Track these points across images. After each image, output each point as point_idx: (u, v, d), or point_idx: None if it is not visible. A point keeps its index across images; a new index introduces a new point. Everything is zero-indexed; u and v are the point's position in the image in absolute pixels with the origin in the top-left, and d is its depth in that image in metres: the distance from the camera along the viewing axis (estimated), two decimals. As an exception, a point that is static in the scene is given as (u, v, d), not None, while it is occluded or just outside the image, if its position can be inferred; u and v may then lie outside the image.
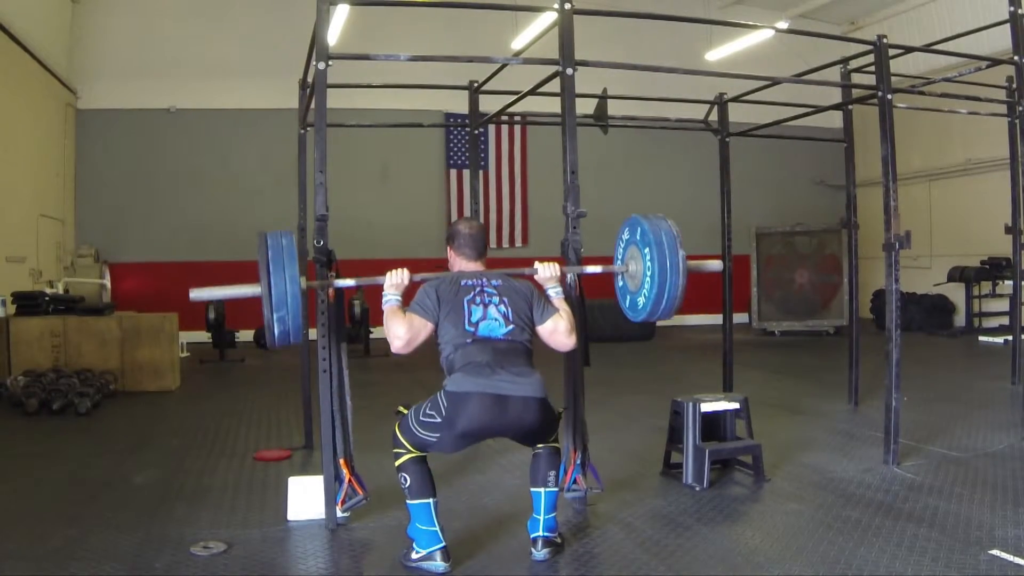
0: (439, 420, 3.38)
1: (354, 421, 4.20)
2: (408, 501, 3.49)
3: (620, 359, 10.79)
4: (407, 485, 3.48)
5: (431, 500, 3.47)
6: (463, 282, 3.57)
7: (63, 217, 12.65)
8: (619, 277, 4.08)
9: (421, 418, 3.44)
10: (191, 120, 13.64)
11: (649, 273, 3.76)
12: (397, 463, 3.53)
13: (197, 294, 3.60)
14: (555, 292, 3.76)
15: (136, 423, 6.89)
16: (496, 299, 3.53)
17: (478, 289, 3.55)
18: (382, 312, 3.55)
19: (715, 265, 4.38)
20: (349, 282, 3.89)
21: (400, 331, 3.42)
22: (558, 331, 3.61)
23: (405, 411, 3.57)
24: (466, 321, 3.47)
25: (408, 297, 3.61)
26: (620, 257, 4.06)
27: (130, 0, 13.27)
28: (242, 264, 14.41)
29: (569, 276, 4.22)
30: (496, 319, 3.49)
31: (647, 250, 3.77)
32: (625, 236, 4.01)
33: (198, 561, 3.55)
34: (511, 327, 3.50)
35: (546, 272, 3.80)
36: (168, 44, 13.27)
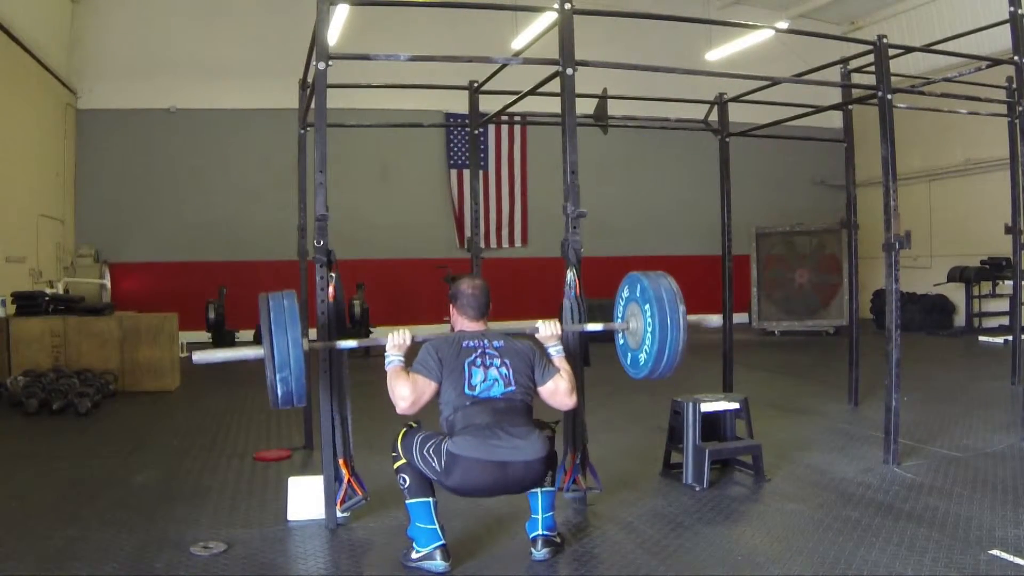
0: (438, 469, 3.40)
1: (354, 421, 4.20)
2: (407, 501, 3.50)
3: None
4: (406, 485, 3.49)
5: (430, 499, 3.48)
6: (464, 343, 3.58)
7: (63, 217, 12.65)
8: (619, 335, 4.11)
9: (424, 453, 3.46)
10: (191, 120, 13.64)
11: (650, 329, 3.78)
12: (396, 465, 3.55)
13: (200, 357, 3.61)
14: (556, 351, 3.77)
15: (136, 423, 6.89)
16: (497, 361, 3.54)
17: (479, 351, 3.55)
18: (385, 373, 3.56)
19: (715, 320, 4.44)
20: (352, 344, 3.93)
21: (405, 392, 3.44)
22: (559, 392, 3.63)
23: (415, 426, 3.58)
24: (466, 384, 3.48)
25: (410, 358, 3.62)
26: (620, 315, 4.08)
27: (130, 0, 13.26)
28: (243, 264, 14.43)
29: (570, 275, 4.22)
30: (496, 379, 3.50)
31: (647, 306, 3.80)
32: (625, 294, 4.04)
33: (198, 561, 3.56)
34: (511, 388, 3.51)
35: (547, 331, 3.81)
36: (168, 44, 13.26)
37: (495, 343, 3.60)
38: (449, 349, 3.55)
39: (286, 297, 3.48)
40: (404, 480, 3.49)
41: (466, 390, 3.47)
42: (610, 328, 4.09)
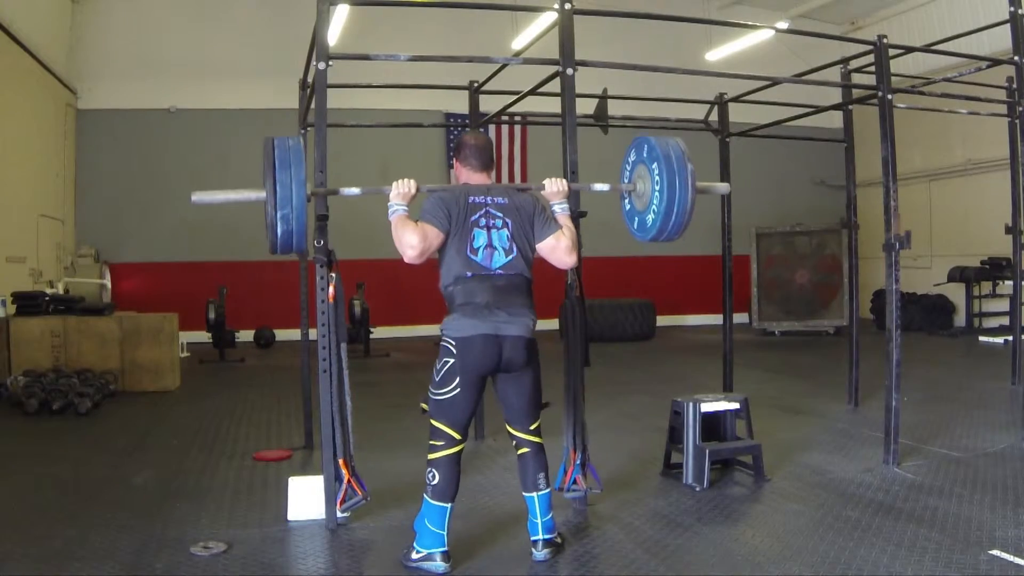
0: (453, 361, 3.42)
1: (354, 421, 4.19)
2: (428, 497, 3.47)
3: (620, 359, 10.79)
4: (434, 482, 3.46)
5: (448, 505, 3.46)
6: (470, 198, 3.54)
7: (63, 217, 12.65)
8: (626, 199, 4.03)
9: (438, 379, 3.47)
10: (191, 120, 13.64)
11: (658, 189, 3.70)
12: (431, 456, 3.50)
13: (199, 198, 3.53)
14: (561, 208, 3.75)
15: (136, 423, 6.88)
16: (499, 221, 3.52)
17: (483, 209, 3.53)
18: (389, 223, 3.55)
19: (723, 187, 4.39)
20: (354, 190, 3.86)
21: (414, 240, 3.42)
22: (559, 248, 3.59)
23: (427, 406, 3.58)
24: (468, 247, 3.48)
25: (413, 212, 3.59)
26: (627, 178, 4.02)
27: (130, 0, 13.26)
28: (243, 264, 14.42)
29: (570, 276, 4.22)
30: (497, 247, 3.50)
31: (655, 165, 3.72)
32: (632, 156, 3.96)
33: (198, 561, 3.55)
34: (512, 256, 3.51)
35: (553, 187, 3.79)
36: (168, 44, 13.26)
37: (499, 199, 3.57)
38: (456, 204, 3.52)
39: (291, 139, 3.43)
40: (433, 476, 3.47)
41: (468, 252, 3.46)
42: (616, 190, 4.04)
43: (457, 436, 3.49)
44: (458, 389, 3.44)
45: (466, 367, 3.42)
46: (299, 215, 3.35)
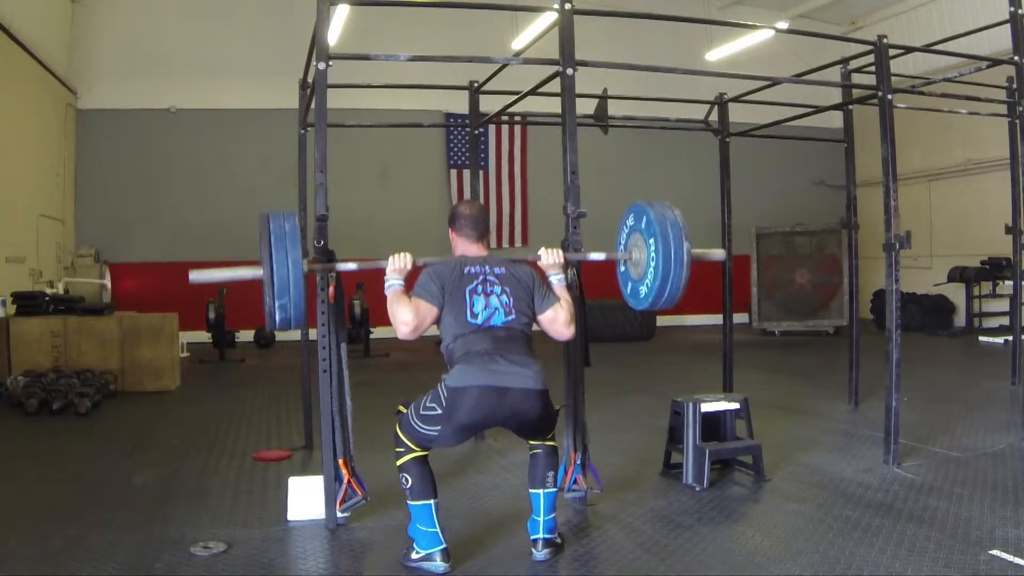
0: (439, 412, 3.38)
1: (354, 421, 4.19)
2: (409, 502, 3.49)
3: (620, 359, 10.79)
4: (408, 486, 3.47)
5: (432, 501, 3.46)
6: (466, 269, 3.55)
7: (63, 217, 12.65)
8: (621, 264, 4.05)
9: (422, 412, 3.44)
10: (191, 120, 13.64)
11: (653, 264, 3.72)
12: (398, 462, 3.52)
13: (197, 276, 3.55)
14: (557, 279, 3.75)
15: (136, 423, 6.88)
16: (498, 288, 3.52)
17: (480, 278, 3.52)
18: (385, 297, 3.54)
19: (719, 254, 4.36)
20: (351, 266, 3.86)
21: (407, 316, 3.41)
22: (557, 321, 3.60)
23: (404, 410, 3.57)
24: (468, 312, 3.46)
25: (410, 281, 3.60)
26: (623, 243, 4.02)
27: (130, 0, 13.26)
28: (243, 264, 14.37)
29: (570, 275, 4.21)
30: (497, 308, 3.48)
31: (652, 240, 3.73)
32: (629, 222, 3.97)
33: (198, 561, 3.55)
34: (512, 317, 3.50)
35: (549, 259, 3.78)
36: (168, 44, 13.26)
37: (496, 269, 3.57)
38: (451, 275, 3.51)
39: (287, 218, 3.42)
40: (407, 480, 3.48)
41: (468, 318, 3.44)
42: (612, 258, 4.04)
43: (419, 453, 3.50)
44: (435, 433, 3.43)
45: (453, 420, 3.37)
46: (297, 302, 3.34)
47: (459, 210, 3.78)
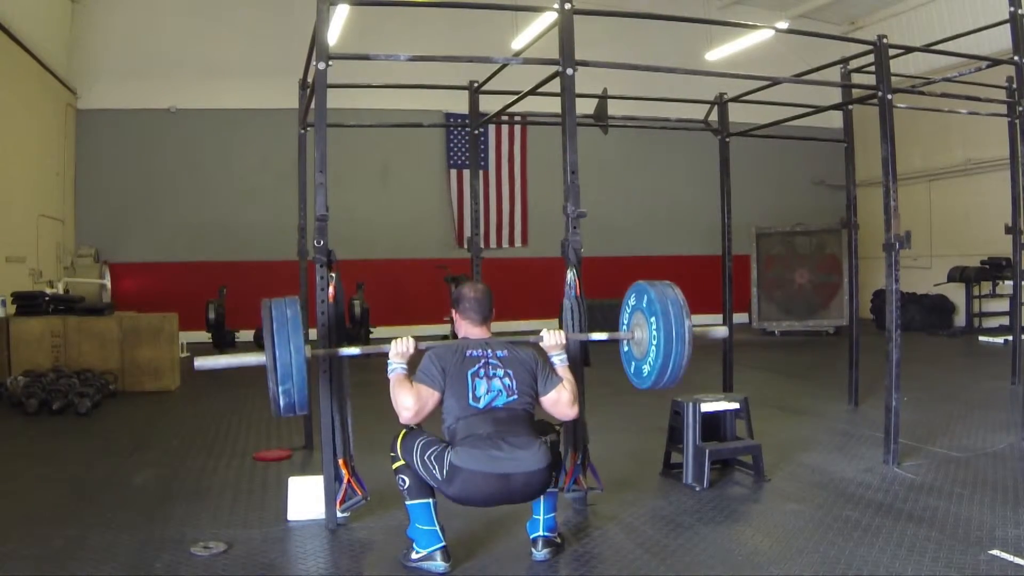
0: (439, 478, 3.37)
1: (354, 421, 4.20)
2: (407, 502, 3.49)
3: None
4: (406, 486, 3.48)
5: (430, 500, 3.47)
6: (468, 352, 3.55)
7: (63, 217, 12.64)
8: (624, 344, 4.08)
9: (425, 460, 3.43)
10: (191, 120, 13.63)
11: (655, 342, 3.76)
12: (394, 466, 3.54)
13: (202, 364, 3.61)
14: (559, 360, 3.75)
15: (136, 423, 6.89)
16: (500, 371, 3.52)
17: (483, 362, 3.53)
18: (388, 381, 3.55)
19: (721, 332, 4.42)
20: (354, 351, 3.92)
21: (408, 402, 3.42)
22: (560, 402, 3.61)
23: (415, 428, 3.56)
24: (470, 396, 3.46)
25: (412, 365, 3.61)
26: (626, 323, 4.06)
27: (130, 0, 13.26)
28: (243, 264, 14.41)
29: (570, 276, 4.22)
30: (500, 390, 3.48)
31: (653, 319, 3.77)
32: (631, 302, 4.01)
33: (198, 561, 3.56)
34: (514, 397, 3.49)
35: (551, 340, 3.79)
36: (168, 44, 13.25)
37: (498, 352, 3.57)
38: (452, 358, 3.52)
39: (288, 306, 3.44)
40: (403, 481, 3.49)
41: (470, 401, 3.44)
42: (615, 338, 4.08)
43: None
44: (435, 485, 3.42)
45: (451, 491, 3.36)
46: (300, 387, 3.37)
47: (464, 292, 3.79)
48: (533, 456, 3.37)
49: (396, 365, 3.57)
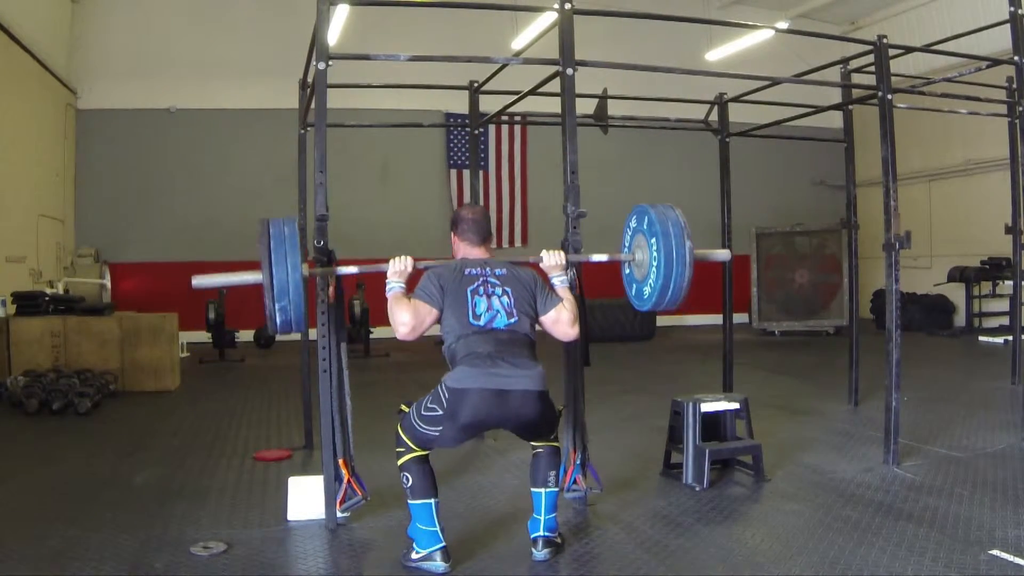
0: (440, 413, 3.38)
1: (354, 421, 4.20)
2: (409, 501, 3.49)
3: (620, 359, 10.79)
4: (409, 485, 3.48)
5: (432, 500, 3.46)
6: (467, 271, 3.55)
7: (63, 217, 12.65)
8: (625, 265, 4.06)
9: (423, 412, 3.45)
10: (191, 120, 13.64)
11: (655, 264, 3.74)
12: (399, 462, 3.52)
13: (199, 281, 3.60)
14: (560, 281, 3.75)
15: (136, 423, 6.89)
16: (499, 290, 3.52)
17: (481, 280, 3.53)
18: (386, 299, 3.55)
19: (723, 255, 4.37)
20: (352, 269, 3.89)
21: (405, 317, 3.42)
22: (560, 321, 3.60)
23: (407, 409, 3.57)
24: (470, 313, 3.46)
25: (411, 285, 3.60)
26: (627, 245, 4.04)
27: (130, 0, 13.26)
28: (243, 264, 14.39)
29: (570, 275, 4.21)
30: (499, 310, 3.49)
31: (653, 240, 3.75)
32: (632, 224, 3.99)
33: (198, 561, 3.55)
34: (514, 319, 3.49)
35: (551, 260, 3.79)
36: (168, 44, 13.26)
37: (497, 271, 3.57)
38: (451, 276, 3.52)
39: (287, 223, 3.45)
40: (407, 479, 3.48)
41: (470, 319, 3.44)
42: (615, 259, 4.06)
43: (420, 452, 3.50)
44: (436, 433, 3.43)
45: (455, 421, 3.37)
46: (297, 304, 3.36)
47: (461, 214, 3.79)
48: (530, 377, 3.38)
49: (394, 283, 3.58)
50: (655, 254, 3.74)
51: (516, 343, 3.47)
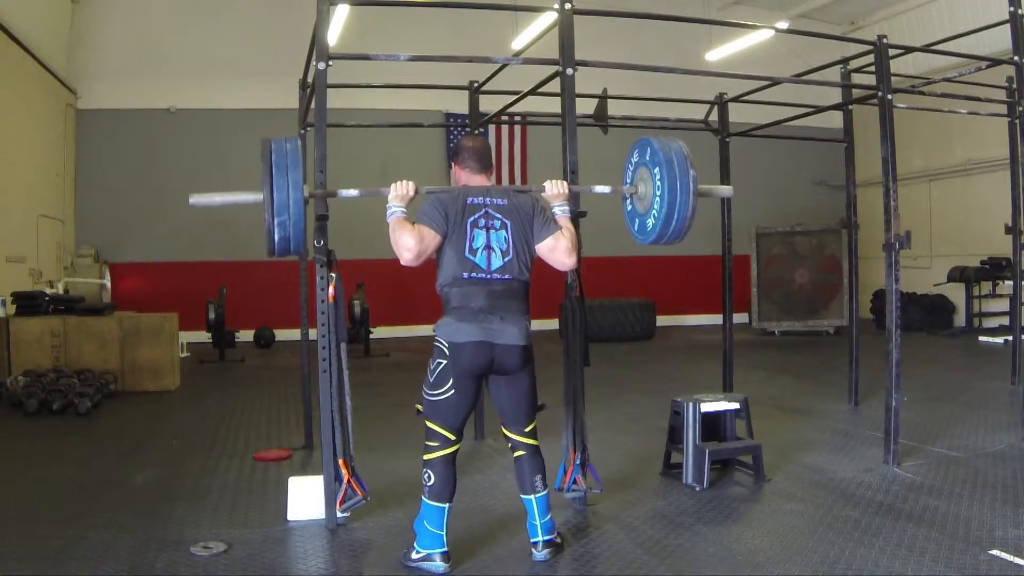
0: (446, 362, 3.42)
1: (354, 421, 4.19)
2: (425, 499, 3.48)
3: (620, 359, 10.79)
4: (429, 483, 3.47)
5: (447, 505, 3.47)
6: (469, 199, 3.53)
7: (63, 217, 12.65)
8: (627, 200, 4.03)
9: (431, 379, 3.47)
10: (191, 120, 13.64)
11: (659, 193, 3.70)
12: (426, 457, 3.51)
13: (196, 200, 3.56)
14: (561, 210, 3.73)
15: (136, 423, 6.89)
16: (498, 222, 3.51)
17: (483, 211, 3.51)
18: (387, 225, 3.54)
19: (725, 190, 4.37)
20: (352, 192, 3.87)
21: (410, 242, 3.41)
22: (558, 248, 3.57)
23: (421, 408, 3.57)
24: (467, 247, 3.46)
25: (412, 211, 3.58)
26: (629, 179, 4.01)
27: (130, 0, 13.26)
28: (243, 264, 14.40)
29: (570, 276, 4.21)
30: (495, 248, 3.48)
31: (657, 170, 3.71)
32: (635, 158, 3.96)
33: (198, 561, 3.55)
34: (509, 258, 3.49)
35: (553, 189, 3.78)
36: (168, 44, 13.26)
37: (497, 200, 3.55)
38: (454, 205, 3.50)
39: (289, 141, 3.43)
40: (429, 477, 3.47)
41: (466, 253, 3.45)
42: (618, 192, 4.04)
43: (452, 437, 3.49)
44: (452, 390, 3.45)
45: (459, 368, 3.43)
46: (296, 221, 3.35)
47: (463, 143, 3.78)
48: (515, 332, 3.44)
49: (396, 208, 3.57)
50: (659, 183, 3.69)
51: (509, 295, 3.48)
